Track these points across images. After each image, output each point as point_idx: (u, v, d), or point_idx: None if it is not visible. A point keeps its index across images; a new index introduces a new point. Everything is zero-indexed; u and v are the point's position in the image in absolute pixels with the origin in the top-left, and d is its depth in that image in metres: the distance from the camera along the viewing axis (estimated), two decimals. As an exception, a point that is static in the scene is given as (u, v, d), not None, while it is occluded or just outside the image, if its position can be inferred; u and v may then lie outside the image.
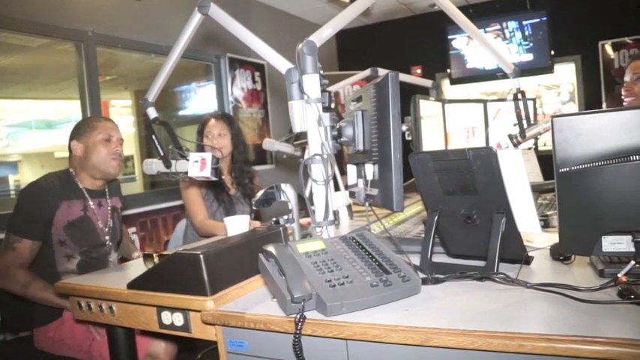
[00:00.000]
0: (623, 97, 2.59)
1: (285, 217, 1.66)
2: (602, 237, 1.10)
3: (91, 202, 2.15)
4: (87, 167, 2.14)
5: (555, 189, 1.13)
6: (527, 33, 5.94)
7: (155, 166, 1.90)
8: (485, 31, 6.07)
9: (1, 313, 2.28)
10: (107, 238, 2.19)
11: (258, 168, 4.72)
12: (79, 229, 2.09)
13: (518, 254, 1.31)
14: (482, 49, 2.51)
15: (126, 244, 2.48)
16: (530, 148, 2.92)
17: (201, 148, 2.61)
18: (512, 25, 6.01)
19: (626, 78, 2.57)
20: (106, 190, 2.25)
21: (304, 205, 1.63)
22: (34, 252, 2.01)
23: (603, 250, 1.11)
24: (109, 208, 2.23)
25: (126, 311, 1.53)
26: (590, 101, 5.83)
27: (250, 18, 5.31)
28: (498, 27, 6.07)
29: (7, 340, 2.57)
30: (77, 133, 2.16)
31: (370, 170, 1.47)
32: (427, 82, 3.38)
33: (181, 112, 5.43)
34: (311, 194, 1.60)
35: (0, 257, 1.98)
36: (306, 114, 1.54)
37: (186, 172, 1.82)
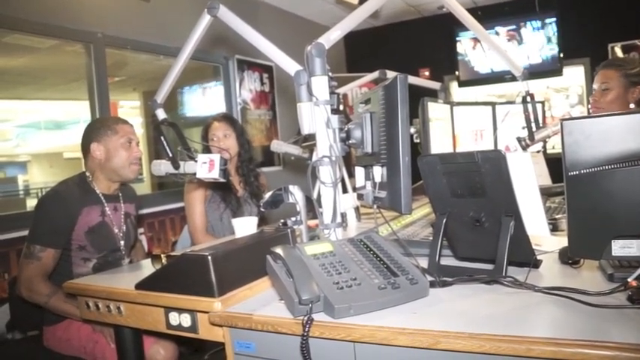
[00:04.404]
0: (589, 107, 2.54)
1: (293, 218, 1.66)
2: (612, 241, 1.10)
3: (107, 207, 2.16)
4: (106, 170, 2.15)
5: (564, 192, 1.13)
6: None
7: (163, 167, 1.90)
8: (495, 33, 6.05)
9: (10, 312, 2.30)
10: (122, 243, 2.21)
11: (265, 169, 4.72)
12: (99, 234, 2.11)
13: (526, 257, 1.31)
14: (492, 51, 2.50)
15: (138, 247, 2.49)
16: (538, 151, 2.91)
17: (208, 151, 2.62)
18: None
19: (595, 86, 2.50)
20: (120, 194, 2.26)
21: (312, 207, 1.63)
22: (57, 260, 2.03)
23: (613, 254, 1.10)
24: (122, 213, 2.25)
25: (133, 311, 1.54)
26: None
27: (259, 20, 5.31)
28: (513, 27, 6.05)
29: (16, 339, 2.59)
30: (97, 135, 2.15)
31: (378, 172, 1.46)
32: (435, 85, 3.37)
33: (190, 114, 5.45)
34: (319, 196, 1.60)
35: (24, 268, 1.99)
36: (315, 116, 1.54)
37: (195, 174, 1.83)
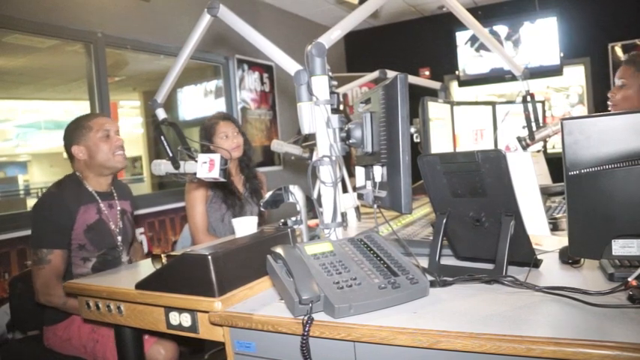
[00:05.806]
0: (608, 102, 2.50)
1: (293, 218, 1.66)
2: (612, 240, 1.10)
3: (102, 205, 2.16)
4: (93, 167, 2.14)
5: (565, 192, 1.13)
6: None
7: (164, 167, 1.90)
8: (495, 33, 6.04)
9: (11, 312, 2.30)
10: (119, 239, 2.20)
11: (266, 169, 4.74)
12: (97, 232, 2.11)
13: (527, 257, 1.31)
14: (492, 51, 2.50)
15: (137, 247, 2.49)
16: (539, 151, 2.91)
17: (208, 150, 2.61)
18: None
19: (616, 81, 2.45)
20: (113, 191, 2.26)
21: (312, 206, 1.63)
22: (66, 260, 2.02)
23: (613, 253, 1.10)
24: (118, 209, 2.24)
25: (134, 311, 1.54)
26: (599, 104, 5.78)
27: (259, 20, 5.32)
28: (508, 27, 6.04)
29: (16, 339, 2.59)
30: (73, 136, 2.14)
31: (378, 172, 1.46)
32: (435, 84, 3.37)
33: (189, 114, 5.45)
34: (319, 196, 1.60)
35: (37, 274, 1.98)
36: (315, 116, 1.54)
37: (195, 173, 1.82)
